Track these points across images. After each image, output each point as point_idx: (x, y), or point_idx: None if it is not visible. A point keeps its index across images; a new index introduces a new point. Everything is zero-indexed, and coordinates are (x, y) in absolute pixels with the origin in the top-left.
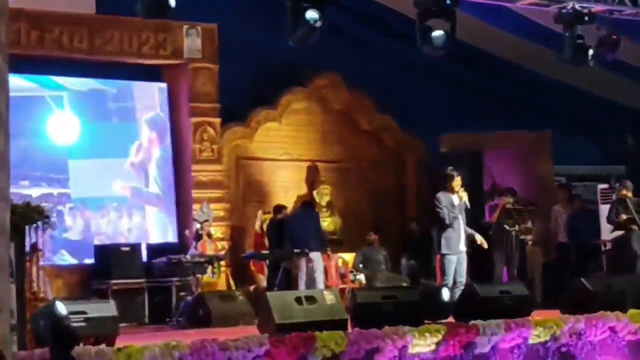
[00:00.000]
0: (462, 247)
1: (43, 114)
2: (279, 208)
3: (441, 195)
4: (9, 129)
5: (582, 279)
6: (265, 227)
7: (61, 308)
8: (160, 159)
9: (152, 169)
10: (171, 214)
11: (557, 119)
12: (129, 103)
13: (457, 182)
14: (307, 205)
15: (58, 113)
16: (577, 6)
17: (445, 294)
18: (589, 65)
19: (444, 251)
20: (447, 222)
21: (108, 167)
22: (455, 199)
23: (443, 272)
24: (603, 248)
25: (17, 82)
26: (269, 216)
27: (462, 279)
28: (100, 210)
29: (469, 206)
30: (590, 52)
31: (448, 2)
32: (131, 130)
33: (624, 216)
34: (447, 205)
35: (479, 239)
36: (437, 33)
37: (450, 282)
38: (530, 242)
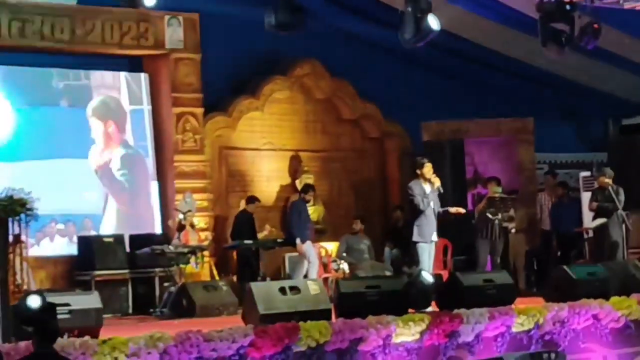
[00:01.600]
0: (434, 237)
1: None
2: (252, 199)
3: (413, 184)
4: None
5: (565, 267)
6: None
7: (34, 301)
8: (126, 157)
9: (115, 172)
10: (144, 212)
11: (539, 107)
12: (84, 81)
13: (427, 168)
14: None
15: None
16: None
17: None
18: (571, 54)
19: (416, 239)
20: (422, 208)
21: (54, 173)
22: (427, 187)
23: (417, 260)
24: (585, 236)
25: None
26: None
27: (431, 270)
28: (40, 234)
29: (442, 191)
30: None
31: None
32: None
33: (595, 204)
34: (420, 193)
35: (454, 209)
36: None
37: (425, 270)
38: (513, 231)
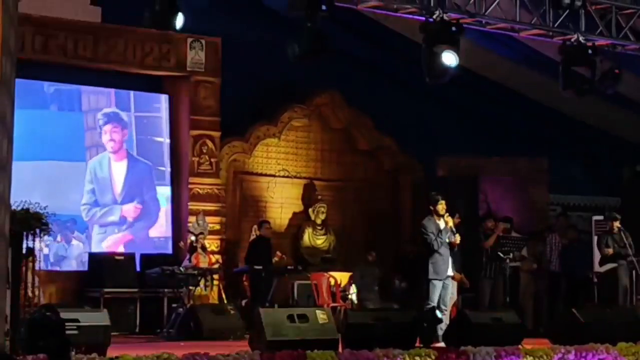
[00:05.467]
0: (450, 272)
1: None
2: (261, 223)
3: (427, 222)
4: (12, 134)
5: (574, 310)
6: None
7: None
8: (131, 170)
9: (117, 181)
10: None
11: (554, 148)
12: (73, 86)
13: (441, 205)
14: None
15: None
16: (581, 39)
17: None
18: (590, 98)
19: (431, 276)
20: (435, 247)
21: (44, 174)
22: (442, 223)
23: (427, 296)
24: (595, 280)
25: None
26: None
27: (446, 306)
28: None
29: (455, 231)
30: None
31: (453, 29)
32: (76, 122)
33: (610, 250)
34: (433, 231)
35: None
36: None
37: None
38: (524, 270)
